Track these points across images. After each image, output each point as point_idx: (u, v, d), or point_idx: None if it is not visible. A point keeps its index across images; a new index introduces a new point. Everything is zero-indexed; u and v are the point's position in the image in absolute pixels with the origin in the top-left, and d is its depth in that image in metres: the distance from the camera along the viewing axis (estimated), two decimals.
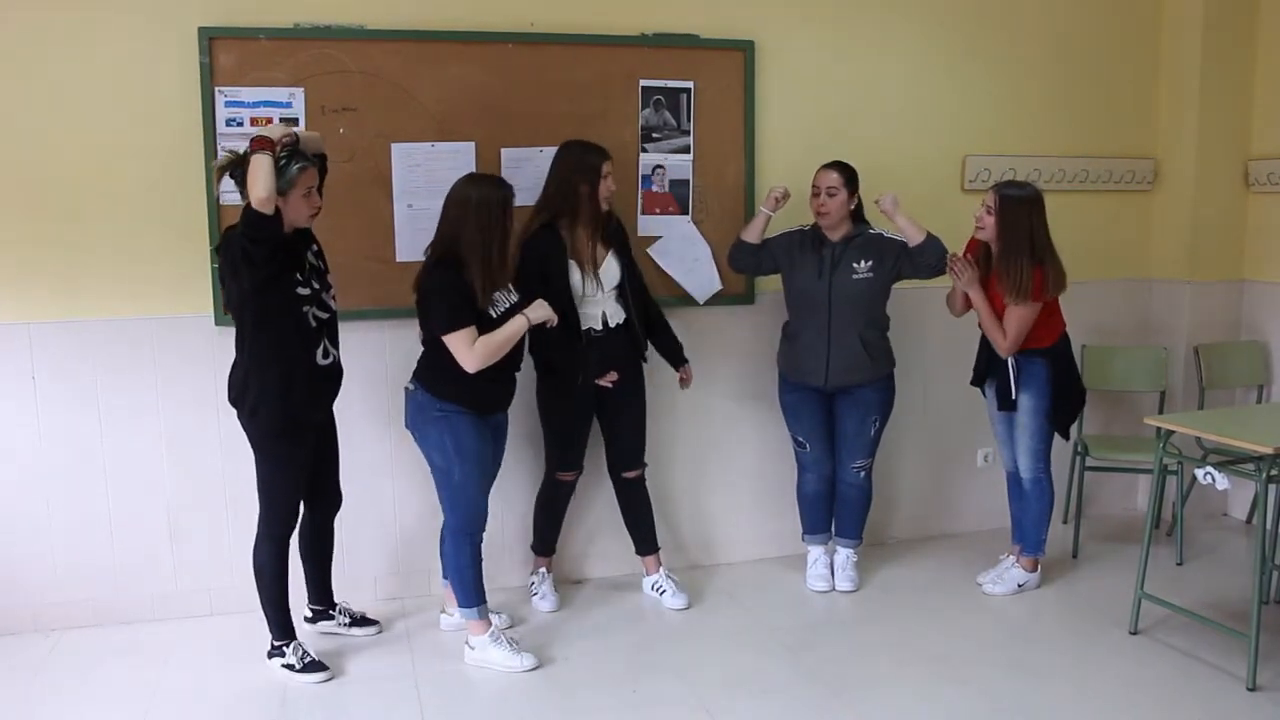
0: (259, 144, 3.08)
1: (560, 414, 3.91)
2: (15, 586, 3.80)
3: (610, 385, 3.81)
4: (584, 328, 3.78)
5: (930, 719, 3.22)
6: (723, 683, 3.44)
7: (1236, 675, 3.41)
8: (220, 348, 3.83)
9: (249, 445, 3.41)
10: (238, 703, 3.34)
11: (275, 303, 3.25)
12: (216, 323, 3.82)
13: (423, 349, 3.52)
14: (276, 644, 3.49)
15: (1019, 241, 3.79)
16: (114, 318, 3.77)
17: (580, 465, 4.02)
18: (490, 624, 3.58)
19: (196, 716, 3.28)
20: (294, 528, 3.51)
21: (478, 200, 3.35)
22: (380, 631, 3.80)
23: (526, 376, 3.90)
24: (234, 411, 3.41)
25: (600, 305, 3.81)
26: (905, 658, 3.61)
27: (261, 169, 3.04)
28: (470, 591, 3.55)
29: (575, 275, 3.73)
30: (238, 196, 3.70)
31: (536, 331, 3.56)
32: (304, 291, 3.30)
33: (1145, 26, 4.88)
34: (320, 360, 3.38)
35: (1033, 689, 3.39)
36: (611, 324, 3.84)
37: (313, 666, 3.46)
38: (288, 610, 3.50)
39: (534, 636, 3.73)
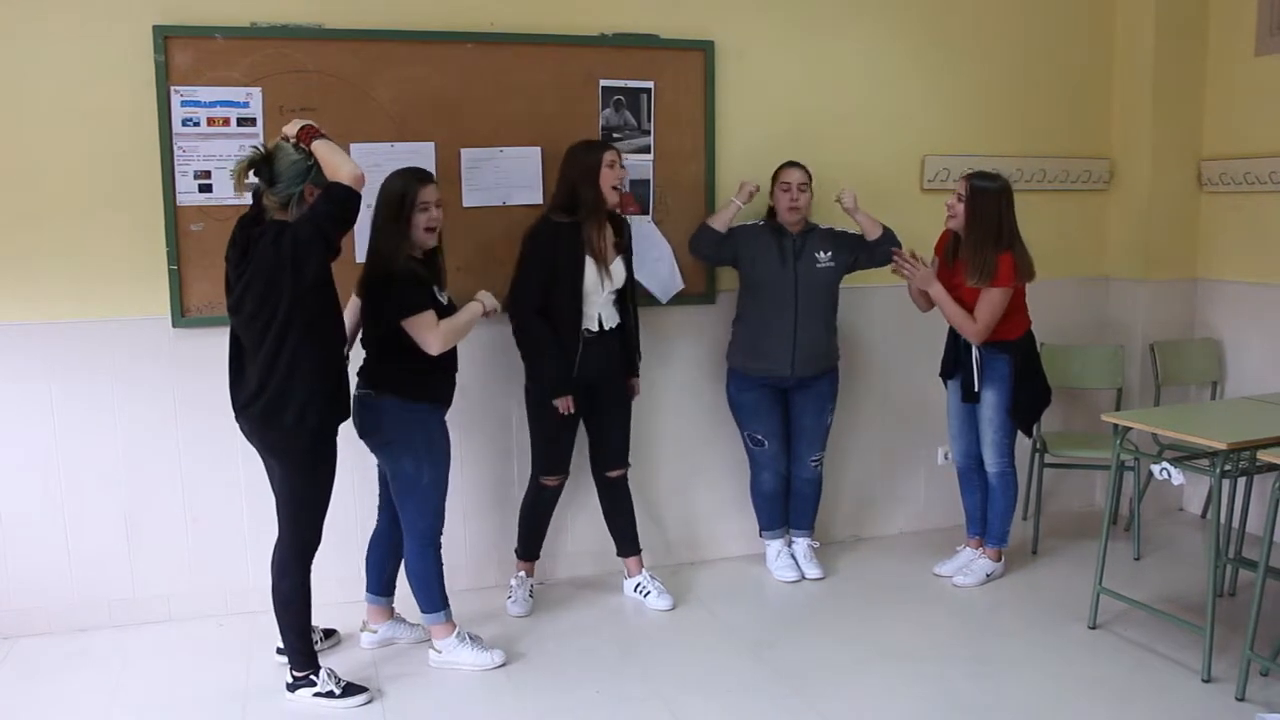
0: (311, 132, 3.03)
1: (552, 417, 3.85)
2: None
3: (566, 412, 3.78)
4: (581, 327, 3.79)
5: (892, 715, 3.24)
6: (687, 682, 3.44)
7: (1192, 668, 3.46)
8: (177, 350, 3.79)
9: (283, 462, 3.17)
10: (197, 711, 3.29)
11: (328, 295, 3.13)
12: (174, 325, 3.77)
13: (367, 355, 3.44)
14: (300, 675, 3.29)
15: (987, 229, 3.88)
16: (68, 320, 3.71)
17: (566, 470, 3.98)
18: (456, 626, 3.57)
19: None
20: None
21: (382, 198, 3.36)
22: (339, 642, 3.75)
23: (508, 382, 3.90)
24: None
25: (599, 307, 3.81)
26: (868, 654, 3.63)
27: (337, 150, 3.00)
28: (436, 596, 3.53)
29: (590, 273, 3.73)
30: (197, 196, 3.71)
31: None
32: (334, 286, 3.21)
33: (1100, 29, 4.95)
34: (347, 357, 3.29)
35: (993, 683, 3.42)
36: (606, 327, 3.84)
37: (353, 689, 3.31)
38: (311, 638, 3.36)
39: (503, 639, 3.70)
